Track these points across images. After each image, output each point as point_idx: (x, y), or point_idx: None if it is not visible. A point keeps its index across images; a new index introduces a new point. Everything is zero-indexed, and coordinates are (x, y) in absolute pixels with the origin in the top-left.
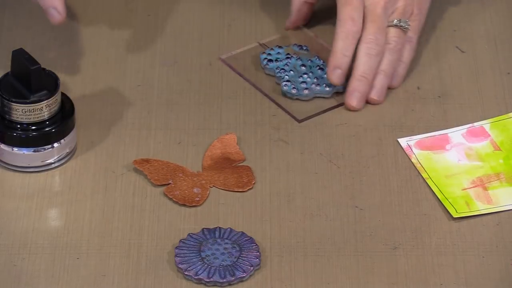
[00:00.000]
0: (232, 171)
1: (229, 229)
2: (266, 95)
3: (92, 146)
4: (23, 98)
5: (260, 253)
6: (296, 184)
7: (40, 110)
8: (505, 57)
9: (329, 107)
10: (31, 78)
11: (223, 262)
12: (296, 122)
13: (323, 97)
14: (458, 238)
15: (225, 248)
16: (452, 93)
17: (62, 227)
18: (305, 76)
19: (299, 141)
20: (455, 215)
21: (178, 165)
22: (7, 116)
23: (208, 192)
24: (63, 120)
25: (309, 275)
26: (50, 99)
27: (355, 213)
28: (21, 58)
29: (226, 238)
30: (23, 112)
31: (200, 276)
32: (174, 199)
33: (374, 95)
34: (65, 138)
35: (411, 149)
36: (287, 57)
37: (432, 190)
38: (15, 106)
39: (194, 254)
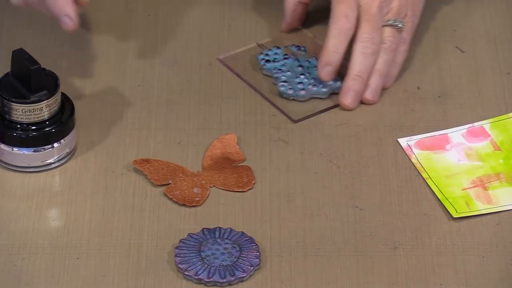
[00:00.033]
0: (232, 171)
1: (229, 229)
2: (262, 95)
3: (92, 146)
4: (23, 98)
5: (260, 253)
6: (296, 184)
7: (40, 110)
8: (505, 57)
9: (325, 108)
10: (31, 78)
11: (223, 262)
12: (296, 122)
13: (320, 98)
14: (458, 238)
15: (225, 248)
16: (452, 93)
17: (62, 227)
18: (302, 76)
19: (299, 141)
20: (455, 215)
21: (178, 165)
22: (7, 116)
23: (208, 192)
24: (63, 120)
25: (309, 275)
26: (50, 99)
27: (355, 213)
28: (21, 58)
29: (226, 238)
30: (23, 112)
31: (200, 276)
32: (174, 199)
33: (368, 95)
34: (65, 138)
35: (411, 149)
36: (285, 58)
37: (432, 190)
38: (15, 106)
39: (194, 254)
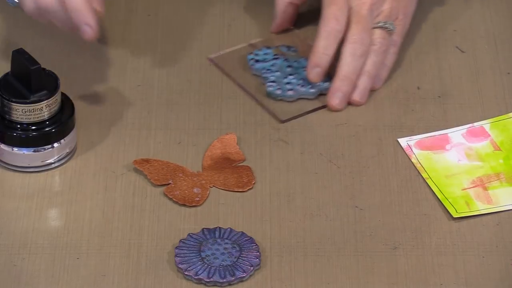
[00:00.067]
0: (232, 171)
1: (229, 229)
2: (250, 94)
3: (92, 146)
4: (23, 98)
5: (260, 253)
6: (296, 184)
7: (40, 110)
8: (505, 57)
9: (313, 109)
10: (31, 78)
11: (223, 262)
12: (296, 122)
13: (307, 98)
14: (458, 238)
15: (225, 248)
16: (452, 93)
17: (62, 227)
18: (290, 77)
19: (299, 141)
20: (455, 215)
21: (178, 165)
22: (7, 116)
23: (208, 192)
24: (63, 120)
25: (309, 275)
26: (50, 99)
27: (355, 213)
28: (21, 58)
29: (226, 238)
30: (23, 112)
31: (200, 276)
32: (174, 199)
33: (356, 96)
34: (65, 138)
35: (411, 149)
36: (275, 58)
37: (432, 190)
38: (15, 106)
39: (194, 254)
